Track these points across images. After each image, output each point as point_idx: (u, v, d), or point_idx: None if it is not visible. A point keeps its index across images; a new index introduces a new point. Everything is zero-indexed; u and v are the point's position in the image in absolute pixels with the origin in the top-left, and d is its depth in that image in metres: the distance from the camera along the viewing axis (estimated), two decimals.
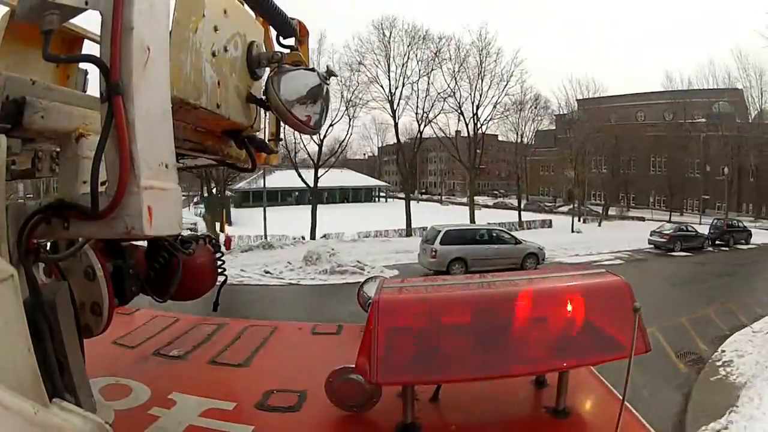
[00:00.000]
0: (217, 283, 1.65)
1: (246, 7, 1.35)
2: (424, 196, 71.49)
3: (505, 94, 39.29)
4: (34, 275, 0.87)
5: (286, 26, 1.52)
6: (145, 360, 1.70)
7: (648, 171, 58.17)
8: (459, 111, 38.31)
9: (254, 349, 1.80)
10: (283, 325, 2.17)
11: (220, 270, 1.65)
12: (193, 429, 1.26)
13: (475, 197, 41.25)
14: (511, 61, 38.70)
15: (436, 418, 1.29)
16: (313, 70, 1.35)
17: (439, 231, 18.95)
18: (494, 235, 20.48)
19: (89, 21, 0.94)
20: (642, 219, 48.51)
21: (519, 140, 45.41)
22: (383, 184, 74.45)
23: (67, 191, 0.93)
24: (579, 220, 43.64)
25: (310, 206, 34.24)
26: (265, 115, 1.49)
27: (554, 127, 53.72)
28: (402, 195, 46.88)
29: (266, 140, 1.52)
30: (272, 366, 1.69)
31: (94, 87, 0.90)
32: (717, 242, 31.26)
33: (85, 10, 0.82)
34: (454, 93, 37.77)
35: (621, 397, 1.22)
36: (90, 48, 1.38)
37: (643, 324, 1.11)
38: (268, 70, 1.34)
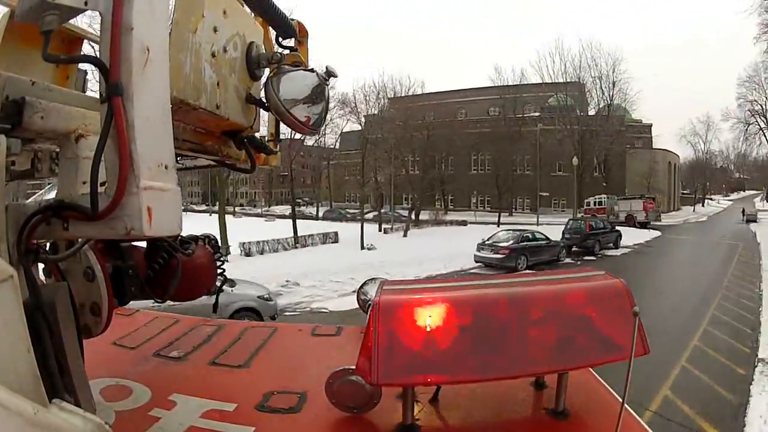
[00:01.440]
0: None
1: (245, 7, 1.35)
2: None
3: None
4: (34, 276, 0.87)
5: (285, 27, 1.52)
6: (145, 361, 1.70)
7: (469, 170, 55.55)
8: None
9: (254, 351, 1.80)
10: (283, 326, 2.17)
11: (219, 270, 1.65)
12: (194, 430, 1.26)
13: (277, 207, 37.19)
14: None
15: (436, 420, 1.29)
16: (312, 70, 1.35)
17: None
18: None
19: (89, 21, 0.94)
20: (464, 223, 43.31)
21: (322, 142, 41.48)
22: None
23: (67, 192, 0.93)
24: (380, 230, 36.64)
25: None
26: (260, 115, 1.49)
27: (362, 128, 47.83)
28: (202, 208, 42.98)
29: (266, 141, 1.53)
30: (272, 367, 1.68)
31: (93, 87, 0.91)
32: (577, 249, 24.41)
33: (85, 10, 0.83)
34: None
35: (620, 399, 1.22)
36: (90, 48, 1.39)
37: (642, 326, 1.11)
38: (267, 70, 1.34)
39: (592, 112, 52.17)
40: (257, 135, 1.44)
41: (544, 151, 49.42)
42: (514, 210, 52.89)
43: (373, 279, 1.77)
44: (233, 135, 1.35)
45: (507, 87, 54.84)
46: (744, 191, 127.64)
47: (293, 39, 1.57)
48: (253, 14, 1.41)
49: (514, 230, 23.95)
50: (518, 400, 1.36)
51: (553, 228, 27.67)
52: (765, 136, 57.11)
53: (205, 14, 1.11)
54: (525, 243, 21.76)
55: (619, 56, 55.03)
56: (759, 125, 56.55)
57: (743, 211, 55.92)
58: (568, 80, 51.86)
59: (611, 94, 52.46)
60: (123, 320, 2.02)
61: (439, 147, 47.79)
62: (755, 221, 51.76)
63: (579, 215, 36.21)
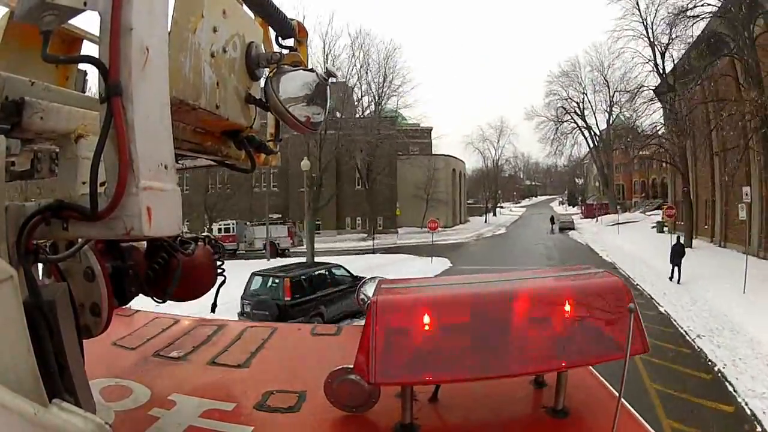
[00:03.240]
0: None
1: (245, 7, 1.35)
2: None
3: None
4: (34, 276, 0.87)
5: (285, 27, 1.52)
6: (145, 361, 1.70)
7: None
8: None
9: (254, 350, 1.80)
10: (283, 326, 2.18)
11: (219, 270, 1.65)
12: (193, 430, 1.26)
13: None
14: None
15: (435, 419, 1.29)
16: (312, 70, 1.35)
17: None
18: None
19: (89, 22, 0.94)
20: None
21: None
22: None
23: (67, 192, 0.93)
24: None
25: None
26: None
27: None
28: None
29: (266, 141, 1.53)
30: (272, 367, 1.69)
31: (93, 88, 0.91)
32: None
33: (84, 10, 0.83)
34: None
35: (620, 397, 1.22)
36: (89, 49, 1.38)
37: (641, 324, 1.11)
38: (267, 70, 1.34)
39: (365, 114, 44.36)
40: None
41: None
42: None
43: (372, 278, 1.77)
44: (233, 135, 1.35)
45: None
46: (536, 197, 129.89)
47: (293, 39, 1.57)
48: (252, 14, 1.41)
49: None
50: (517, 398, 1.36)
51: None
52: (583, 134, 59.12)
53: (204, 14, 1.11)
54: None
55: (394, 46, 50.13)
56: (576, 123, 58.48)
57: (552, 219, 51.60)
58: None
59: (381, 91, 44.25)
60: (123, 320, 2.02)
61: None
62: (573, 229, 48.36)
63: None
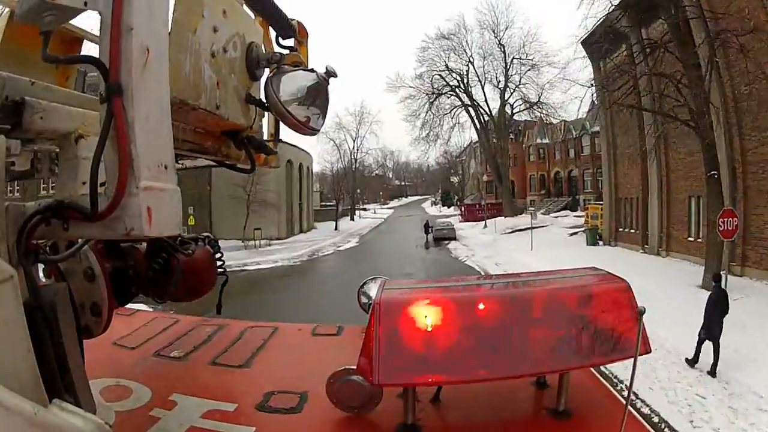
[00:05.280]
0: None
1: (245, 7, 1.35)
2: None
3: None
4: (34, 276, 0.87)
5: (285, 27, 1.52)
6: (145, 361, 1.70)
7: None
8: None
9: (255, 350, 1.80)
10: (284, 326, 2.17)
11: (220, 270, 1.65)
12: (195, 430, 1.26)
13: None
14: None
15: (437, 419, 1.29)
16: (312, 70, 1.35)
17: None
18: None
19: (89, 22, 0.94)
20: None
21: None
22: None
23: (67, 192, 0.93)
24: None
25: None
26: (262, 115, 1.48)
27: None
28: None
29: (265, 141, 1.52)
30: (273, 367, 1.68)
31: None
32: None
33: (84, 10, 0.82)
34: None
35: (620, 398, 1.21)
36: (89, 49, 1.38)
37: (644, 326, 1.11)
38: (267, 70, 1.34)
39: None
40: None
41: None
42: None
43: (373, 278, 1.76)
44: (233, 135, 1.35)
45: None
46: (406, 197, 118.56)
47: (293, 39, 1.57)
48: (252, 14, 1.40)
49: None
50: (519, 399, 1.36)
51: None
52: (468, 112, 44.56)
53: (204, 14, 1.11)
54: None
55: None
56: (459, 99, 44.27)
57: (427, 225, 35.34)
58: None
59: None
60: (123, 320, 2.02)
61: None
62: (453, 238, 33.92)
63: None
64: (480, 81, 45.04)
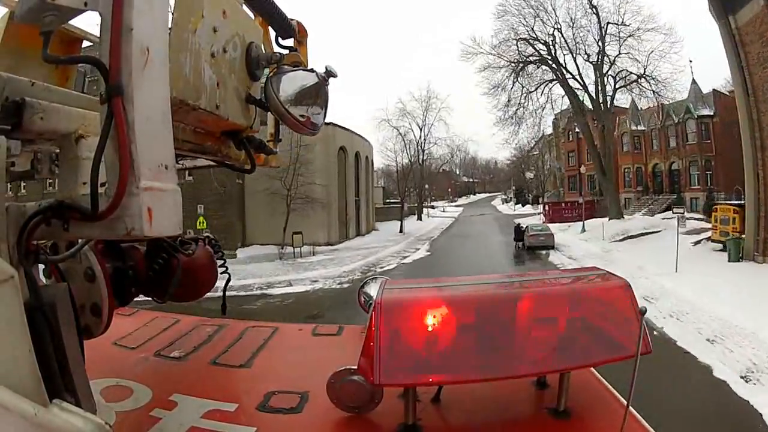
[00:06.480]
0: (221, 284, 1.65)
1: (245, 7, 1.35)
2: None
3: None
4: (34, 276, 0.87)
5: (285, 27, 1.52)
6: (146, 361, 1.70)
7: None
8: None
9: (255, 350, 1.80)
10: (284, 326, 2.17)
11: (221, 270, 1.65)
12: (195, 430, 1.26)
13: None
14: None
15: (438, 419, 1.29)
16: (312, 70, 1.35)
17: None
18: None
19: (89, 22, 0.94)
20: None
21: None
22: None
23: (67, 192, 0.93)
24: None
25: None
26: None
27: None
28: None
29: (265, 141, 1.52)
30: (273, 367, 1.68)
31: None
32: None
33: (85, 11, 0.83)
34: None
35: (621, 398, 1.21)
36: (89, 49, 1.38)
37: (645, 326, 1.11)
38: (267, 70, 1.34)
39: None
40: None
41: None
42: None
43: (374, 278, 1.76)
44: (233, 135, 1.35)
45: None
46: (474, 195, 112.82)
47: (293, 39, 1.57)
48: (252, 14, 1.40)
49: None
50: (520, 399, 1.36)
51: None
52: (564, 87, 35.48)
53: (204, 14, 1.11)
54: None
55: None
56: (549, 65, 35.83)
57: (518, 230, 29.04)
58: None
59: None
60: (123, 320, 2.02)
61: None
62: (552, 246, 26.64)
63: None
64: (571, 52, 35.85)
